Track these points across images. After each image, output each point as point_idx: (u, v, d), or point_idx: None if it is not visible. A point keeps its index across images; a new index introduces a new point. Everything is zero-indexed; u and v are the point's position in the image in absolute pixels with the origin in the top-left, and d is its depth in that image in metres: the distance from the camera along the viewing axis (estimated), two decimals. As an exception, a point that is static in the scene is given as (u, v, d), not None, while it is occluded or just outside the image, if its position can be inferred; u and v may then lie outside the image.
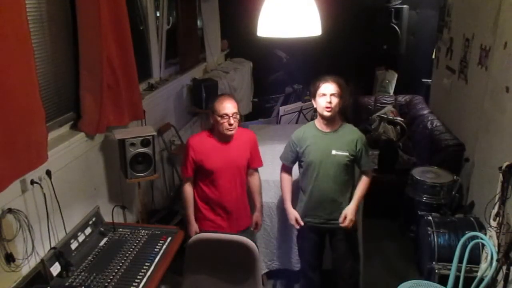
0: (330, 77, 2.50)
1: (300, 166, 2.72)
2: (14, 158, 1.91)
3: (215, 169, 2.62)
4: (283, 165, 2.78)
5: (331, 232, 2.70)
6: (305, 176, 2.66)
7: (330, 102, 2.45)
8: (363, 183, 2.68)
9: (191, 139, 2.71)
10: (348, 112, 6.17)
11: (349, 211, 2.59)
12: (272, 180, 2.97)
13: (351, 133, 2.60)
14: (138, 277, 2.16)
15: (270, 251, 3.06)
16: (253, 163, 2.76)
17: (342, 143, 2.55)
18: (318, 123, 2.63)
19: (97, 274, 2.17)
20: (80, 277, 2.15)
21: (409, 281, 2.69)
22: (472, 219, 3.09)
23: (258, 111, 6.11)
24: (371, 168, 2.74)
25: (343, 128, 2.61)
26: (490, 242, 2.50)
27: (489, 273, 2.46)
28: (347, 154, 2.54)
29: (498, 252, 2.47)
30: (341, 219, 2.60)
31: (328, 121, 2.55)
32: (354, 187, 2.69)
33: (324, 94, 2.48)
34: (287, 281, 3.26)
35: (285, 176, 2.76)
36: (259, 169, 2.84)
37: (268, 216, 2.98)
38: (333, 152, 2.53)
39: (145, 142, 2.85)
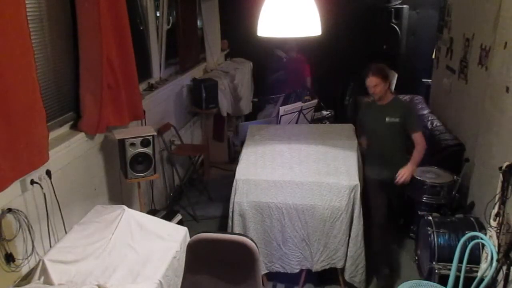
0: (371, 71, 3.06)
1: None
2: (15, 158, 1.91)
3: None
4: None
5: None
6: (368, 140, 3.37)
7: (373, 92, 3.13)
8: (416, 146, 3.09)
9: None
10: (349, 110, 6.21)
11: (403, 170, 3.04)
12: (272, 180, 2.96)
13: (398, 104, 3.20)
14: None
15: (269, 252, 3.04)
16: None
17: (393, 112, 3.10)
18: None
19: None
20: (80, 277, 2.14)
21: (409, 281, 2.69)
22: (472, 219, 3.09)
23: (258, 111, 6.11)
24: (418, 131, 3.10)
25: (392, 101, 3.18)
26: (490, 242, 2.50)
27: (489, 273, 2.46)
28: (397, 120, 3.07)
29: (498, 252, 2.47)
30: (398, 177, 3.04)
31: (378, 99, 3.18)
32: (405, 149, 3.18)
33: (369, 86, 3.12)
34: (288, 283, 3.25)
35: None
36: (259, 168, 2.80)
37: (268, 216, 2.97)
38: (387, 119, 3.09)
39: (145, 142, 2.85)
